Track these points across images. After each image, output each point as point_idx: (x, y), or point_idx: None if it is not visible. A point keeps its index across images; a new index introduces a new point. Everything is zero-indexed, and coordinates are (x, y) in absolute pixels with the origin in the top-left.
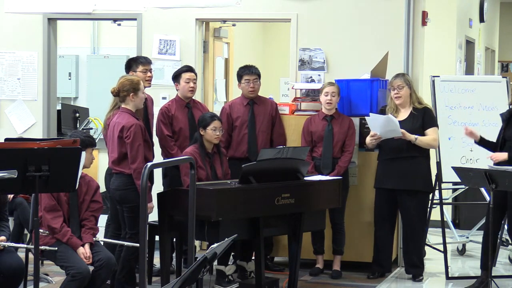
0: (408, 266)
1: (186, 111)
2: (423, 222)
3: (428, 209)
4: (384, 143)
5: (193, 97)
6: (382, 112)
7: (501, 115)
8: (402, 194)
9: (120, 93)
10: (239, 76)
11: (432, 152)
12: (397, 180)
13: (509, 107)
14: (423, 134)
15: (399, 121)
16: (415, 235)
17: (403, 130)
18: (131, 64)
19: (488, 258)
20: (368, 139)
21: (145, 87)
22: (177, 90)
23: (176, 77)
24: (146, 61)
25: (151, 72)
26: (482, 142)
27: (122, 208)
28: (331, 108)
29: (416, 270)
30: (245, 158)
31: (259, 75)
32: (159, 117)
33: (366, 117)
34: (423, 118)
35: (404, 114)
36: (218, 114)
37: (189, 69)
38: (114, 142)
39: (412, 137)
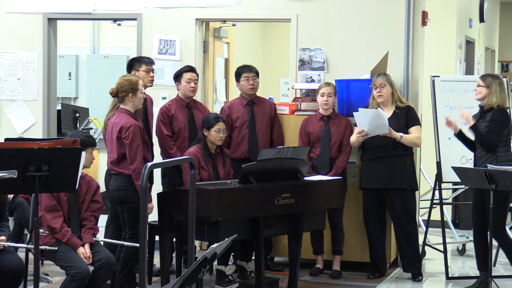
0: (406, 265)
1: (186, 111)
2: (412, 219)
3: (428, 209)
4: (369, 142)
5: (193, 97)
6: None
7: (474, 116)
8: (389, 193)
9: (119, 94)
10: (238, 75)
11: (432, 152)
12: (384, 179)
13: (479, 107)
14: (407, 133)
15: None
16: (406, 233)
17: (389, 128)
18: (133, 63)
19: (483, 258)
20: (354, 137)
21: (147, 86)
22: (178, 90)
23: (177, 77)
24: (149, 61)
25: (153, 73)
26: (461, 136)
27: (122, 209)
28: (328, 108)
29: (414, 268)
30: (246, 158)
31: (257, 73)
32: (159, 117)
33: (354, 113)
34: (407, 117)
35: (387, 113)
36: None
37: (190, 69)
38: (113, 142)
39: (397, 134)
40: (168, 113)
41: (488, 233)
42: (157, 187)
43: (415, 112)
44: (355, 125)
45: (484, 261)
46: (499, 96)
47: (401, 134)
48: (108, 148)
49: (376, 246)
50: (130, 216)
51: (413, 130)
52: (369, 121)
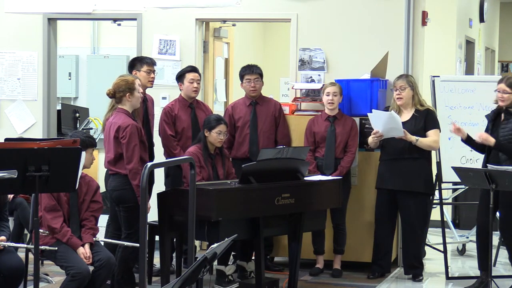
0: (407, 267)
1: (189, 111)
2: (422, 223)
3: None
4: (387, 143)
5: (195, 97)
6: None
7: (487, 116)
8: (403, 195)
9: (116, 94)
10: (241, 76)
11: (432, 152)
12: (398, 180)
13: (497, 109)
14: (425, 136)
15: (402, 122)
16: (414, 236)
17: (404, 130)
18: (135, 63)
19: (484, 258)
20: (370, 138)
21: (146, 87)
22: (180, 90)
23: (180, 77)
24: (151, 62)
25: (154, 74)
26: (469, 141)
27: (119, 208)
28: (333, 108)
29: (414, 270)
30: (247, 158)
31: (260, 75)
32: (162, 117)
33: (368, 113)
34: (425, 120)
35: (406, 115)
36: (220, 114)
37: (193, 69)
38: (110, 142)
39: (413, 138)
40: (172, 113)
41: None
42: (159, 187)
43: (434, 116)
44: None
45: (486, 261)
46: None
47: (417, 137)
48: (105, 147)
49: (382, 245)
50: (126, 215)
51: (431, 133)
52: (382, 123)
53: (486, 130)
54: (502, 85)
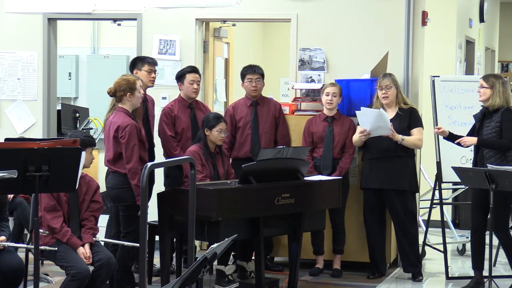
0: (406, 265)
1: (188, 111)
2: (412, 220)
3: (428, 209)
4: (371, 143)
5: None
6: None
7: (475, 116)
8: (389, 194)
9: (117, 93)
10: (242, 76)
11: (432, 152)
12: (384, 180)
13: (482, 107)
14: (409, 134)
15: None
16: (407, 233)
17: (392, 129)
18: (136, 62)
19: (479, 258)
20: (356, 136)
21: (147, 86)
22: (180, 90)
23: (180, 77)
24: (152, 62)
25: (155, 74)
26: (451, 137)
27: (117, 207)
28: (332, 108)
29: (414, 269)
30: (248, 158)
31: (262, 75)
32: (162, 118)
33: (356, 111)
34: (409, 118)
35: (390, 114)
36: (220, 114)
37: (193, 69)
38: (110, 141)
39: (399, 137)
40: (171, 114)
41: (488, 233)
42: (159, 187)
43: (418, 114)
44: (358, 124)
45: (480, 261)
46: (502, 96)
47: (403, 137)
48: (105, 146)
49: (376, 246)
50: (124, 215)
51: (415, 131)
52: (371, 121)
53: (473, 129)
54: (480, 80)
